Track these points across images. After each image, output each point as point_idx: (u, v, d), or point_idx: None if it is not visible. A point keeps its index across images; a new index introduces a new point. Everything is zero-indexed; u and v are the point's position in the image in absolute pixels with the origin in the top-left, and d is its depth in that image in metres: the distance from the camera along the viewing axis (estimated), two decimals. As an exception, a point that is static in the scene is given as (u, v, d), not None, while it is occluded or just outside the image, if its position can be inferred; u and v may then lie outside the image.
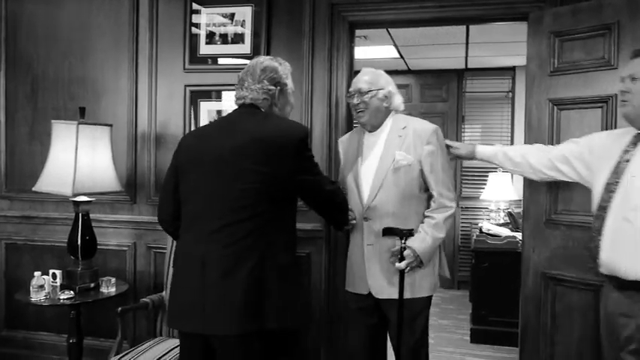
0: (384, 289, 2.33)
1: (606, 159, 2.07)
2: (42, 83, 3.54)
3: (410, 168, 2.31)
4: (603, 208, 2.00)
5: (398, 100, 2.43)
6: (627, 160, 1.98)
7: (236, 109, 2.03)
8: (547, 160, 2.33)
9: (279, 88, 2.01)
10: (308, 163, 1.97)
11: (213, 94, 3.29)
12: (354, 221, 2.36)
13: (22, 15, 3.56)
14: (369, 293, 2.37)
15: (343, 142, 2.62)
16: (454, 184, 2.46)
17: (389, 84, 2.44)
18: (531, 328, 2.69)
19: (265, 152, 1.86)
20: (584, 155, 2.21)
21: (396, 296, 2.27)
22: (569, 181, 2.30)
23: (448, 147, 2.52)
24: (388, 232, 2.27)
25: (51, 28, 3.52)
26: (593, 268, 2.04)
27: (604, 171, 2.05)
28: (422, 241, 2.28)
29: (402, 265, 2.25)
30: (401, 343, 2.29)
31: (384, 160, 2.34)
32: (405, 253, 2.25)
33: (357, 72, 2.49)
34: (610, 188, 1.99)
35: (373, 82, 2.40)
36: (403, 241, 2.24)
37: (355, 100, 2.39)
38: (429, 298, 2.40)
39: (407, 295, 2.29)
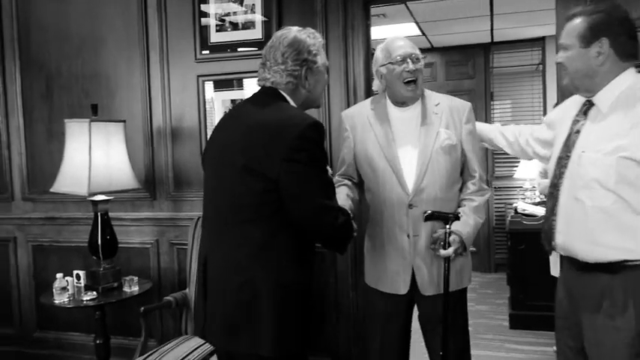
0: (431, 284, 2.12)
1: (560, 131, 1.87)
2: (57, 81, 3.50)
3: (454, 148, 2.12)
4: (555, 186, 1.80)
5: None
6: (577, 132, 1.78)
7: (253, 94, 1.81)
8: (529, 143, 2.15)
9: (305, 67, 1.71)
10: (302, 167, 1.57)
11: (226, 82, 3.17)
12: (355, 234, 1.88)
13: (32, 12, 3.52)
14: (407, 292, 2.13)
15: (350, 116, 2.28)
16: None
17: None
18: (573, 314, 2.51)
19: (257, 150, 1.60)
20: (549, 134, 2.02)
21: (442, 290, 2.09)
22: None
23: None
24: (431, 217, 2.05)
25: (61, 24, 3.47)
26: (549, 251, 1.86)
27: (557, 145, 1.86)
28: (465, 224, 2.08)
29: (450, 251, 2.03)
30: (447, 342, 2.11)
31: (427, 139, 2.10)
32: (451, 238, 2.04)
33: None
34: (561, 163, 1.80)
35: (417, 49, 2.14)
36: (448, 226, 2.05)
37: (412, 66, 2.08)
38: (466, 289, 2.23)
39: (451, 287, 2.09)
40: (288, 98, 1.74)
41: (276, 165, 1.56)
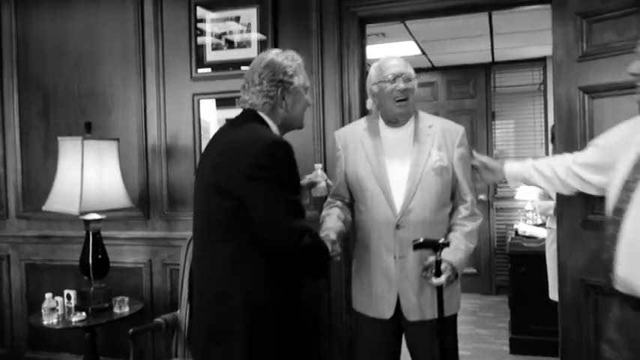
0: (416, 309, 2.06)
1: (625, 153, 1.72)
2: (53, 98, 3.50)
3: (446, 170, 2.08)
4: (619, 211, 1.64)
5: None
6: None
7: (235, 116, 1.84)
8: (571, 171, 2.02)
9: (281, 87, 1.74)
10: (264, 186, 1.58)
11: (226, 101, 3.13)
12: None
13: (31, 30, 3.53)
14: (393, 317, 2.07)
15: (343, 136, 2.26)
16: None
17: None
18: (572, 341, 2.43)
19: (224, 169, 1.65)
20: (603, 158, 1.90)
21: (429, 317, 2.04)
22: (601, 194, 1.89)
23: (475, 167, 2.25)
24: (421, 245, 1.96)
25: (59, 42, 3.47)
26: (605, 285, 1.71)
27: (622, 167, 1.71)
28: (456, 250, 2.04)
29: (442, 279, 1.96)
30: None
31: (419, 160, 2.07)
32: (443, 266, 1.98)
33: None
34: (629, 187, 1.63)
35: (410, 68, 2.13)
36: (439, 254, 1.97)
37: (403, 85, 2.07)
38: (456, 315, 2.18)
39: (438, 313, 2.03)
40: (267, 119, 1.77)
41: (240, 183, 1.60)
